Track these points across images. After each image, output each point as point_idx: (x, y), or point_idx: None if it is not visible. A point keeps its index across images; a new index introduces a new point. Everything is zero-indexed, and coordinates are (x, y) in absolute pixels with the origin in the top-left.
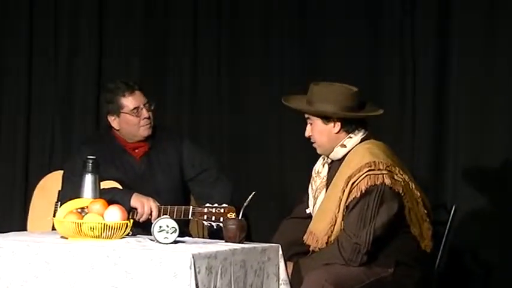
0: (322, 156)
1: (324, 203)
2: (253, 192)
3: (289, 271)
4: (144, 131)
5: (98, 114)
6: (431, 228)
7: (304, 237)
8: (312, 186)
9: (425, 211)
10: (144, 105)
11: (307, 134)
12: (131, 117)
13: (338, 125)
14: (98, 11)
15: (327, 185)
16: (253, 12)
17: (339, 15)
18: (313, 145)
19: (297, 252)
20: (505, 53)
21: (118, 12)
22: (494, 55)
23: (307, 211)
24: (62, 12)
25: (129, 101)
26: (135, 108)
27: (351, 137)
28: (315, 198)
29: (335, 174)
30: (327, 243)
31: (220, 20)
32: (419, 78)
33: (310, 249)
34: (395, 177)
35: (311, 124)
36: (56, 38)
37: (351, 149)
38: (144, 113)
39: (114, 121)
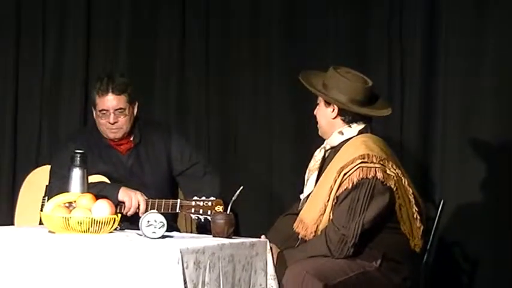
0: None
1: (316, 192)
2: (241, 187)
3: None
4: (109, 134)
5: (85, 109)
6: (422, 227)
7: (294, 225)
8: (308, 169)
9: (417, 209)
10: (114, 110)
11: (315, 112)
12: (98, 117)
13: (335, 111)
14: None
15: (320, 168)
16: (242, 12)
17: (326, 15)
18: (318, 126)
19: (290, 247)
20: (492, 50)
21: (105, 11)
22: (481, 54)
23: (301, 196)
24: (50, 9)
25: (100, 101)
26: (102, 109)
27: (350, 127)
28: (307, 180)
29: (329, 163)
30: (315, 231)
31: (208, 19)
32: (407, 77)
33: (299, 236)
34: (388, 171)
35: (318, 104)
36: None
37: (347, 139)
38: (111, 118)
39: (94, 114)
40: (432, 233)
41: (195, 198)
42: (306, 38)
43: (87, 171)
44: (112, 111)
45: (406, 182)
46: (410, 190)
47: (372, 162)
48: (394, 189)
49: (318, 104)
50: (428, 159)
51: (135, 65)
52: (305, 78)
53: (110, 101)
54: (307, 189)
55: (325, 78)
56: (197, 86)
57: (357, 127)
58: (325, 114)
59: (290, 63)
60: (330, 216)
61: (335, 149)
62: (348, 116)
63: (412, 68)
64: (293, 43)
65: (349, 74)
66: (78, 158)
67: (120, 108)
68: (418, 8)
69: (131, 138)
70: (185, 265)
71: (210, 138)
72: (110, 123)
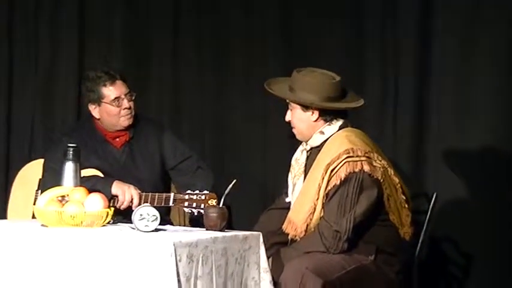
0: (302, 144)
1: (303, 191)
2: (234, 180)
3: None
4: (124, 121)
5: (78, 103)
6: (410, 215)
7: (284, 226)
8: (291, 173)
9: (404, 197)
10: (125, 95)
11: (287, 118)
12: (112, 107)
13: (316, 113)
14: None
15: (305, 172)
16: (237, 10)
17: (322, 14)
18: (293, 130)
19: (277, 242)
20: (486, 52)
21: (99, 8)
22: (474, 53)
23: (287, 200)
24: (43, 7)
25: (110, 91)
26: (115, 98)
27: (329, 125)
28: (294, 185)
29: (313, 162)
30: (305, 231)
31: (201, 18)
32: (401, 76)
33: (289, 237)
34: (374, 163)
35: (291, 110)
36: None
37: (329, 137)
38: (125, 103)
39: (94, 110)
40: (424, 227)
41: (189, 191)
42: (300, 38)
43: (80, 165)
44: (124, 96)
45: (392, 173)
46: (397, 180)
47: (357, 156)
48: (381, 180)
49: (290, 110)
50: (422, 152)
51: (129, 63)
52: (271, 86)
53: (120, 86)
54: (295, 195)
55: (292, 83)
56: (191, 84)
57: (336, 123)
58: (304, 119)
59: (285, 62)
60: (321, 213)
61: (317, 149)
62: (328, 115)
63: (406, 67)
64: (287, 42)
65: (314, 73)
66: (71, 152)
67: (129, 92)
68: (412, 7)
69: (128, 131)
70: (178, 258)
71: (205, 135)
72: (126, 108)
